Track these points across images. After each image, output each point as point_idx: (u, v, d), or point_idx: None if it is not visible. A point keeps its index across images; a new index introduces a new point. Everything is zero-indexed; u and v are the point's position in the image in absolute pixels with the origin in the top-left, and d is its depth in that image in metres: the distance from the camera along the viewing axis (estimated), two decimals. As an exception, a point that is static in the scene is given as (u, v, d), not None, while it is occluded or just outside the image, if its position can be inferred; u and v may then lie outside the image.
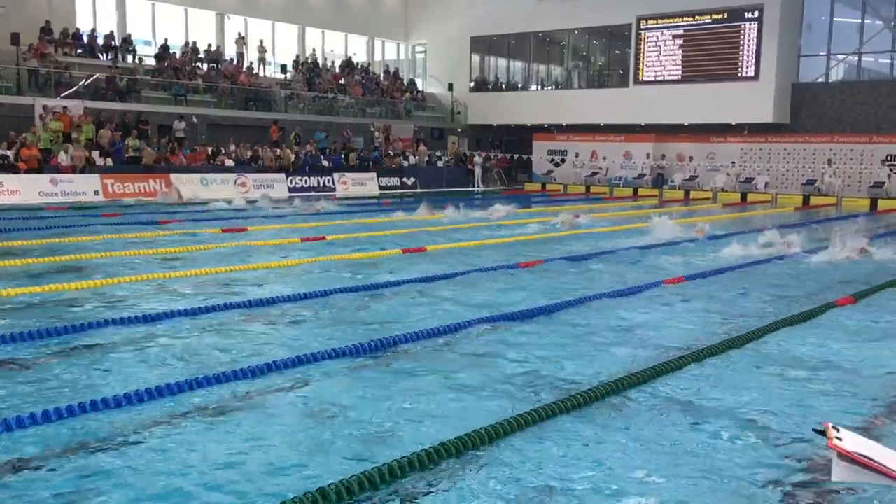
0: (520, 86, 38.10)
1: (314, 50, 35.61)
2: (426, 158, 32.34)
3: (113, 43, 28.38)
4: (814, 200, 27.00)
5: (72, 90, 25.06)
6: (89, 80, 25.72)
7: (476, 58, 38.73)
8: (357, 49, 38.65)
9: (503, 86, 38.54)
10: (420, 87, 39.11)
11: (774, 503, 3.83)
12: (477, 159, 33.40)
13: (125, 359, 6.08)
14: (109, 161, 23.37)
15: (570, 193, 30.96)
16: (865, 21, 29.73)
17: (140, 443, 4.40)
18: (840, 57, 30.59)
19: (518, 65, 38.16)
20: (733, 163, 29.79)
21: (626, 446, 4.46)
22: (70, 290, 8.57)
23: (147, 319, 7.19)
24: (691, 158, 31.00)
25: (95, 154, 23.20)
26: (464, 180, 32.36)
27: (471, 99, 38.23)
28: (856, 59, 30.31)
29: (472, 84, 38.53)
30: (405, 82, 38.38)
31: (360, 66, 37.10)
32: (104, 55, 27.93)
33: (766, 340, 6.95)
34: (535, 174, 34.71)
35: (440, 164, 33.10)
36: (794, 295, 9.30)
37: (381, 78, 37.28)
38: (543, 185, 33.47)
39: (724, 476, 4.09)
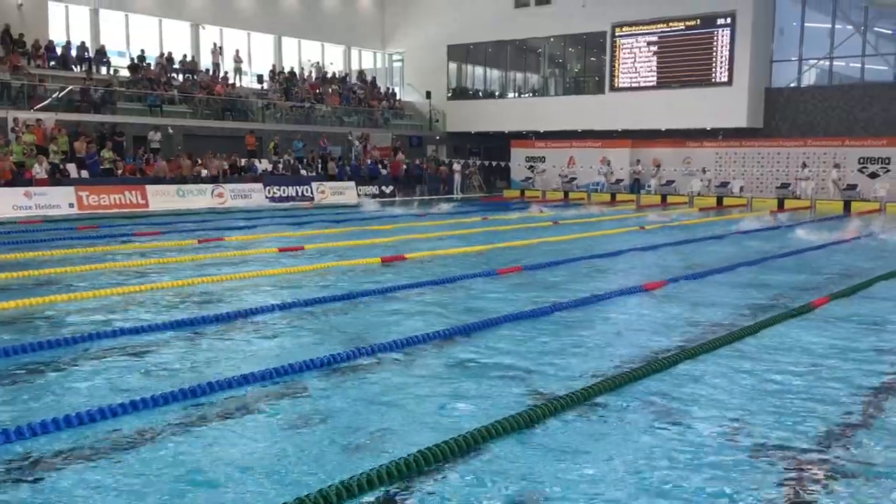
0: (497, 93, 38.23)
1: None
2: (404, 167, 32.36)
3: (86, 54, 28.16)
4: (788, 204, 27.29)
5: (45, 102, 24.82)
6: (63, 92, 25.49)
7: (453, 66, 38.83)
8: (334, 58, 38.66)
9: (481, 93, 38.66)
10: (398, 96, 39.14)
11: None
12: (456, 167, 33.49)
13: (102, 373, 6.01)
14: (84, 173, 23.18)
15: (549, 200, 31.08)
16: (836, 26, 30.16)
17: (116, 456, 4.35)
18: (812, 62, 31.01)
19: (495, 72, 38.29)
20: (705, 169, 30.03)
21: (608, 449, 4.48)
22: (45, 304, 8.48)
23: (124, 332, 7.13)
24: (658, 165, 31.20)
25: (71, 167, 23.03)
26: (440, 187, 32.44)
27: (449, 107, 38.31)
28: (827, 63, 30.73)
29: (450, 92, 38.61)
30: (382, 91, 38.42)
31: (336, 76, 37.12)
32: (78, 67, 27.70)
33: (744, 342, 7.01)
34: (513, 181, 34.83)
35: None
36: (772, 295, 9.40)
37: (357, 86, 37.27)
38: (522, 192, 33.59)
39: (707, 478, 4.12)
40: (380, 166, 31.48)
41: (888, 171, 26.87)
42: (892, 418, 5.11)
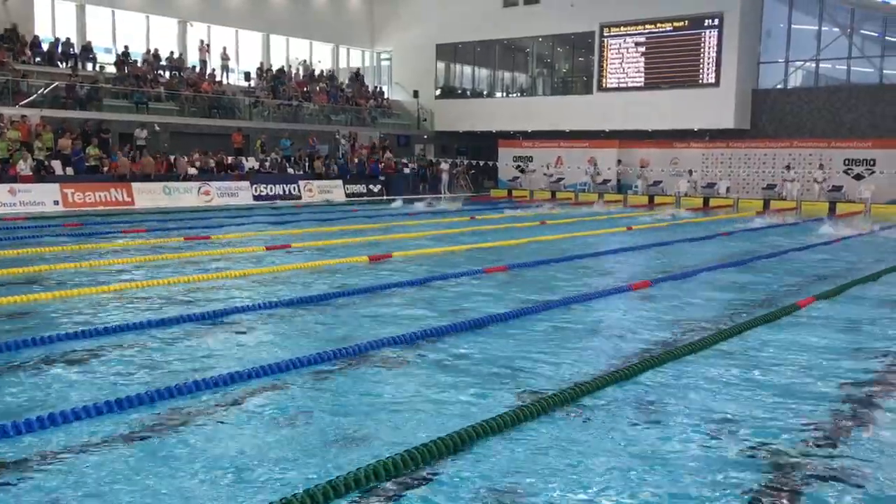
0: (485, 93, 38.23)
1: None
2: (380, 165, 32.28)
3: (72, 50, 27.95)
4: (773, 205, 27.41)
5: (30, 99, 24.62)
6: (48, 89, 25.29)
7: (441, 65, 38.81)
8: (322, 56, 38.57)
9: (469, 93, 38.65)
10: (386, 95, 39.07)
11: None
12: (444, 166, 33.49)
13: (88, 371, 5.96)
14: (69, 170, 23.00)
15: (537, 199, 31.10)
16: (823, 28, 30.34)
17: (101, 455, 4.32)
18: (798, 63, 31.18)
19: (483, 72, 38.31)
20: (692, 171, 30.12)
21: (595, 449, 4.48)
22: (29, 302, 8.40)
23: (109, 331, 7.07)
24: (645, 166, 31.32)
25: (56, 164, 22.84)
26: (431, 187, 32.47)
27: (437, 106, 38.28)
28: (813, 65, 30.91)
29: (438, 91, 38.58)
30: (370, 89, 38.36)
31: (324, 74, 37.03)
32: (63, 63, 27.50)
33: (730, 342, 7.03)
34: (501, 180, 34.85)
35: (406, 170, 33.14)
36: (757, 295, 9.44)
37: (345, 85, 37.20)
38: (509, 192, 33.61)
39: (690, 479, 4.12)
40: (365, 164, 31.41)
41: (873, 172, 27.06)
42: (876, 419, 5.14)
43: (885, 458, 4.43)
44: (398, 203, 25.81)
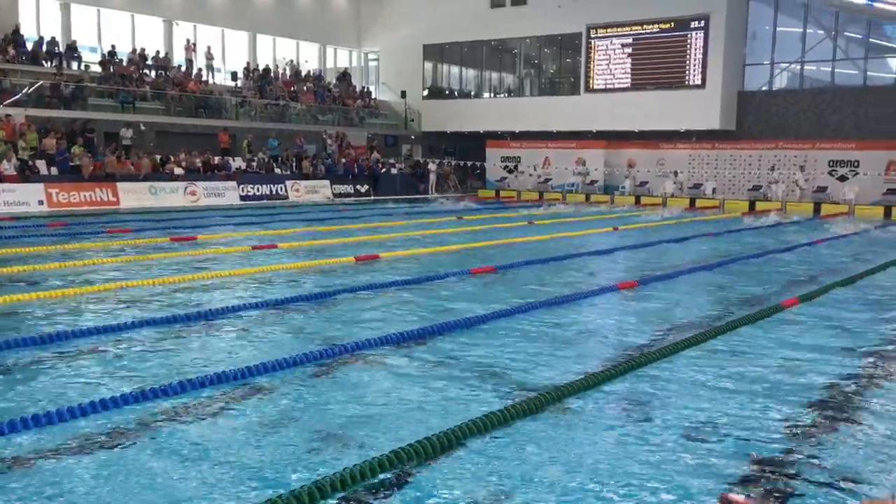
0: (473, 93, 38.26)
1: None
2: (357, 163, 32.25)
3: (57, 49, 27.76)
4: (759, 206, 27.58)
5: (14, 98, 24.43)
6: (33, 88, 25.10)
7: (429, 65, 38.80)
8: (309, 56, 38.49)
9: (456, 93, 38.67)
10: (373, 95, 39.02)
11: None
12: (431, 166, 33.50)
13: (74, 371, 5.93)
14: (54, 170, 22.84)
15: (525, 200, 31.17)
16: (808, 31, 30.55)
17: (85, 456, 4.29)
18: (783, 65, 31.37)
19: (471, 72, 38.33)
20: (677, 172, 30.26)
21: (580, 449, 4.49)
22: (13, 302, 8.34)
23: (95, 331, 7.03)
24: (630, 166, 31.45)
25: (41, 163, 22.66)
26: (416, 187, 32.47)
27: (424, 106, 38.27)
28: (799, 67, 31.11)
29: (426, 92, 38.57)
30: (357, 90, 38.30)
31: (311, 74, 36.95)
32: (48, 62, 27.30)
33: (715, 342, 7.07)
34: (489, 181, 34.90)
35: (394, 171, 33.11)
36: (742, 295, 9.49)
37: (333, 85, 37.13)
38: (497, 192, 33.66)
39: (676, 478, 4.14)
40: (364, 165, 31.31)
41: (857, 173, 27.27)
42: (860, 417, 5.18)
43: (868, 456, 4.47)
44: (387, 203, 25.78)
